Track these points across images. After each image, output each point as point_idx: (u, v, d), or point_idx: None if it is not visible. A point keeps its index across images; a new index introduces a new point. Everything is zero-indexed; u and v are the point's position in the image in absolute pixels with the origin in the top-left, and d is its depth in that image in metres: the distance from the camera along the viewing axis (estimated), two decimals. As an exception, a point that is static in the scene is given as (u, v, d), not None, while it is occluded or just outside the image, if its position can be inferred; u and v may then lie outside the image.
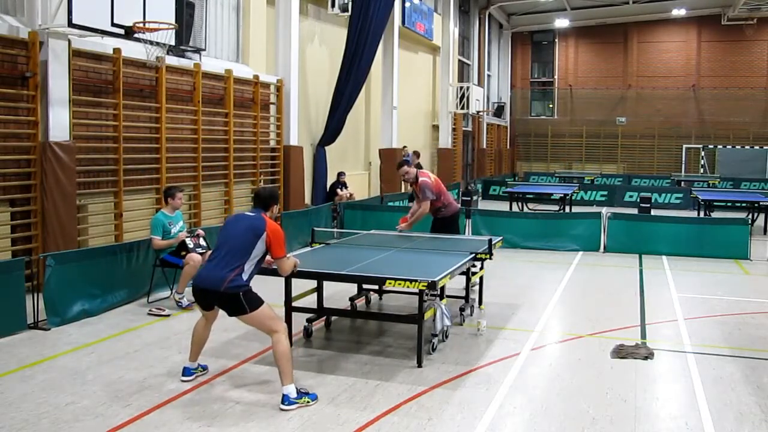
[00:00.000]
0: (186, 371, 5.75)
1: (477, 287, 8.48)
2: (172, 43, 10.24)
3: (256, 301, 5.30)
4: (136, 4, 8.83)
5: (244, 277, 5.30)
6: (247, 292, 5.30)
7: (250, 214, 5.54)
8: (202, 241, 8.46)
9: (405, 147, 20.38)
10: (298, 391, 5.23)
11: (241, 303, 5.25)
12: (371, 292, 8.55)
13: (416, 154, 19.17)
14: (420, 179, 8.92)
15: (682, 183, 25.81)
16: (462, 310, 7.83)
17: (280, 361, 5.21)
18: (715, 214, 17.17)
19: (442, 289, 6.88)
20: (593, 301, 9.00)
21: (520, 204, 18.98)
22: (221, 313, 5.59)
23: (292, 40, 14.01)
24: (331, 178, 16.16)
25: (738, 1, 29.15)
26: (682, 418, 5.13)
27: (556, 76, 35.65)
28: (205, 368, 5.89)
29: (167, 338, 6.96)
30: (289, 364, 5.22)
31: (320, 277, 6.84)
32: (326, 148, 16.12)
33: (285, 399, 5.16)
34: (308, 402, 5.22)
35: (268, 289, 8.72)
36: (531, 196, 19.26)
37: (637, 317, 8.10)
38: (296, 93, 14.31)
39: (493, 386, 5.69)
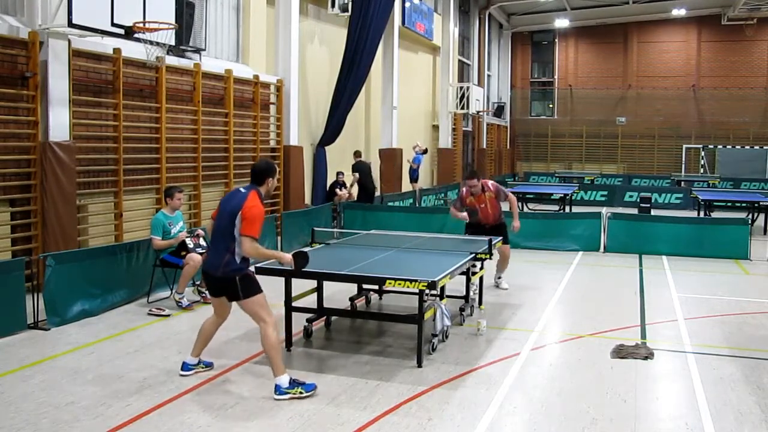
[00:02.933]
0: (184, 366, 5.80)
1: (476, 286, 8.46)
2: (172, 43, 10.23)
3: (251, 289, 5.36)
4: (136, 4, 8.83)
5: (237, 259, 5.31)
6: (244, 277, 5.34)
7: (241, 190, 5.48)
8: (202, 241, 8.45)
9: (417, 145, 20.36)
10: (291, 381, 5.28)
11: (236, 288, 5.32)
12: (371, 292, 8.55)
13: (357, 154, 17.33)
14: (490, 183, 9.34)
15: (682, 183, 25.81)
16: (462, 310, 7.83)
17: (269, 353, 5.31)
18: (715, 214, 17.16)
19: (442, 289, 6.88)
20: (593, 301, 9.00)
21: (520, 204, 18.96)
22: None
23: (292, 40, 14.00)
24: (331, 178, 16.16)
25: (738, 1, 29.15)
26: (682, 418, 5.13)
27: (556, 76, 35.64)
28: (208, 365, 5.92)
29: (167, 338, 6.96)
30: (278, 355, 5.31)
31: (320, 277, 6.84)
32: (326, 148, 16.12)
33: (277, 389, 5.24)
34: (302, 392, 5.26)
35: (268, 288, 8.73)
36: (531, 196, 19.27)
37: (637, 317, 8.10)
38: (296, 93, 14.31)
39: (493, 386, 5.69)
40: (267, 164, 5.67)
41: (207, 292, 5.96)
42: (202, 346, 5.83)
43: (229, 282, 5.34)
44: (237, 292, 5.34)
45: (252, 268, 5.62)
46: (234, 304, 5.58)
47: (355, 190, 16.13)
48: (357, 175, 16.03)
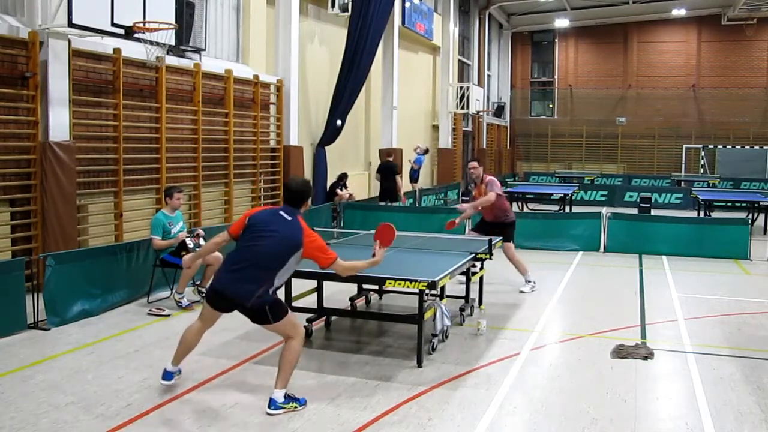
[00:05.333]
0: (167, 375, 5.46)
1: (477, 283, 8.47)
2: (172, 43, 10.23)
3: (281, 312, 5.08)
4: (136, 4, 8.83)
5: (271, 291, 5.03)
6: (273, 304, 5.04)
7: (286, 217, 5.05)
8: (202, 241, 8.44)
9: (418, 146, 20.36)
10: (286, 396, 5.10)
11: (266, 315, 5.02)
12: (371, 292, 8.55)
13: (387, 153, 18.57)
14: (488, 177, 9.59)
15: (682, 183, 25.81)
16: (462, 310, 7.83)
17: (284, 366, 5.08)
18: (715, 214, 17.16)
19: (442, 289, 6.88)
20: (593, 301, 9.00)
21: (520, 204, 18.97)
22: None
23: (292, 40, 14.00)
24: (331, 178, 16.16)
25: (738, 1, 29.15)
26: (682, 418, 5.13)
27: (556, 76, 35.64)
28: (179, 372, 5.59)
29: (167, 338, 6.95)
30: (291, 371, 5.11)
31: (320, 277, 6.84)
32: (326, 148, 16.12)
33: (272, 403, 5.06)
34: (296, 407, 5.09)
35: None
36: (531, 196, 19.26)
37: (637, 317, 8.10)
38: (296, 93, 14.31)
39: (493, 386, 5.69)
40: (306, 183, 5.27)
41: (205, 301, 5.31)
42: (184, 355, 5.45)
43: (259, 311, 5.01)
44: (266, 318, 5.03)
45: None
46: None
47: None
48: (378, 175, 16.40)
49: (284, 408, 5.07)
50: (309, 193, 5.25)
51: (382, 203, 16.04)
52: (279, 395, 5.08)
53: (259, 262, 4.96)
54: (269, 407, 5.05)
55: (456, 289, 8.48)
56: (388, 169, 16.35)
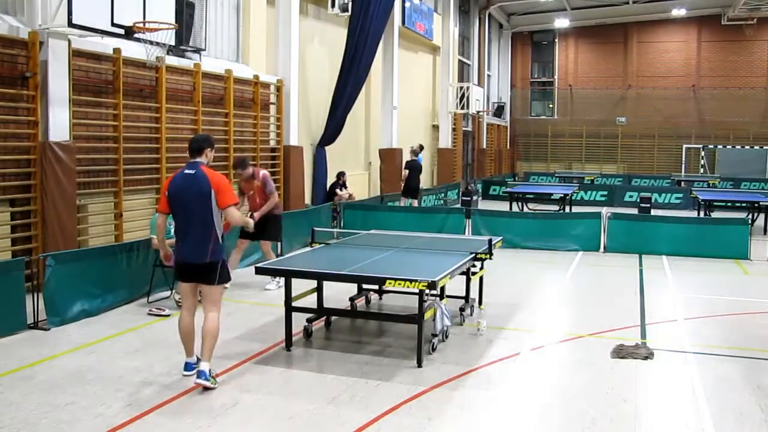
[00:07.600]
0: (188, 366, 5.77)
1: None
2: (172, 43, 10.23)
3: (225, 278, 5.69)
4: (136, 4, 8.82)
5: (220, 241, 5.62)
6: (224, 263, 5.68)
7: (190, 172, 5.65)
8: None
9: (414, 146, 20.37)
10: (210, 371, 5.50)
11: (216, 273, 5.58)
12: (371, 292, 8.55)
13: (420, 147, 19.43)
14: (261, 173, 9.44)
15: (682, 183, 25.81)
16: (462, 310, 7.83)
17: (210, 339, 5.52)
18: (715, 214, 17.16)
19: (442, 289, 6.88)
20: (593, 301, 9.00)
21: (520, 204, 18.97)
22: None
23: (292, 40, 14.01)
24: (331, 178, 16.16)
25: (738, 1, 29.15)
26: (682, 418, 5.13)
27: (556, 76, 35.65)
28: (197, 360, 5.77)
29: (167, 338, 6.95)
30: (215, 343, 5.58)
31: (320, 277, 6.85)
32: (326, 148, 16.13)
33: (202, 374, 5.41)
34: (215, 383, 5.50)
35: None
36: (531, 196, 19.25)
37: (637, 317, 8.10)
38: (296, 93, 14.31)
39: (493, 386, 5.69)
40: (206, 137, 6.02)
41: (179, 280, 5.92)
42: (193, 343, 5.79)
43: (213, 267, 5.58)
44: (215, 276, 5.58)
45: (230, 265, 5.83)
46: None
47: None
48: (407, 171, 16.74)
49: (210, 380, 5.42)
50: (208, 143, 5.89)
51: (405, 198, 16.49)
52: (206, 366, 5.47)
53: (197, 224, 5.57)
54: (199, 377, 5.42)
55: (456, 289, 8.48)
56: (415, 168, 16.67)
